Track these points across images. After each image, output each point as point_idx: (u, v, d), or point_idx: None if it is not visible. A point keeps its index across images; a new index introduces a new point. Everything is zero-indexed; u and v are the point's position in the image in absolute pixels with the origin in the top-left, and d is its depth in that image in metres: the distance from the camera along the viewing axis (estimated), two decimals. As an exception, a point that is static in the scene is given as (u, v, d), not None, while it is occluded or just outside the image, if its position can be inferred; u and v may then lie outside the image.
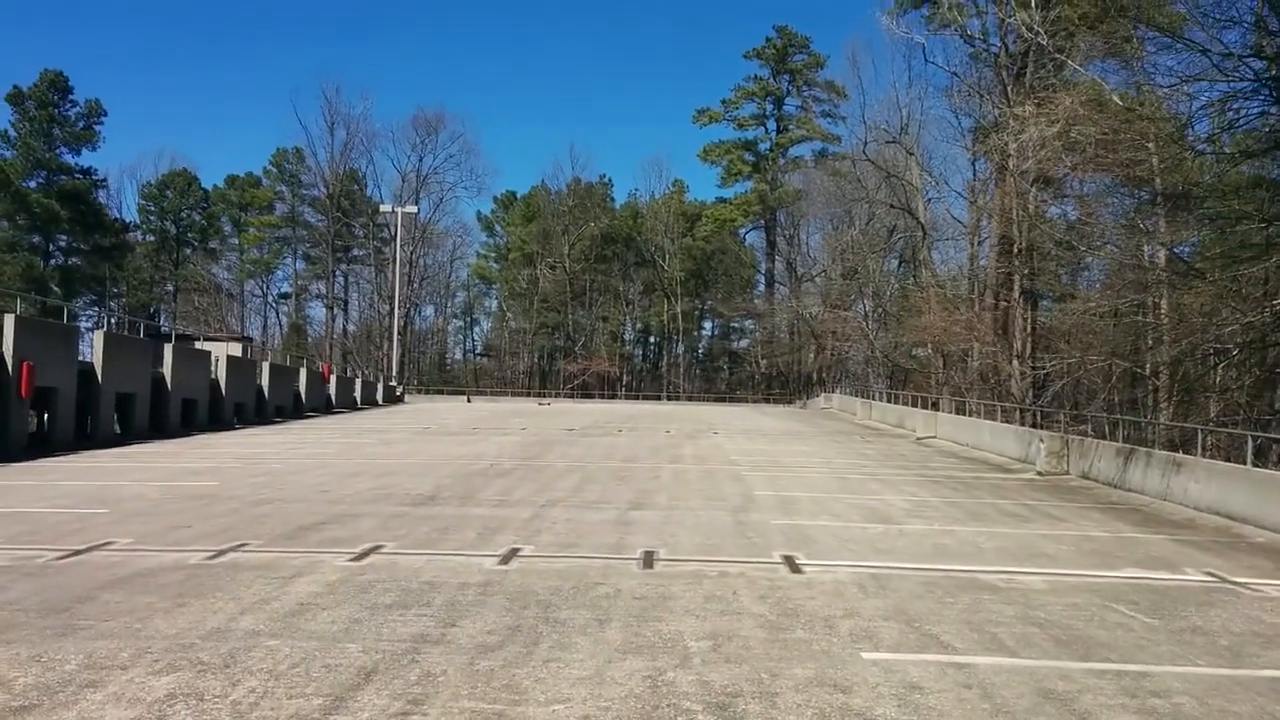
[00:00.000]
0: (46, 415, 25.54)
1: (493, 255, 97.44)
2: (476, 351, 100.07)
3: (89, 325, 60.22)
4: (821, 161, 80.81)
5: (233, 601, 8.38)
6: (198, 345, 37.62)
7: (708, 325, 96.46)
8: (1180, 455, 18.70)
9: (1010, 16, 38.12)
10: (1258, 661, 7.35)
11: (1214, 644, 7.81)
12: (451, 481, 17.89)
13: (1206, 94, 22.93)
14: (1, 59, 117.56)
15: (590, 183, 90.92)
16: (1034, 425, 29.41)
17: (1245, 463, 16.29)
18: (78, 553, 10.45)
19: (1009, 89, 39.49)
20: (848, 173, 67.02)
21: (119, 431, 27.85)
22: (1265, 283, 22.86)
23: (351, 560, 10.31)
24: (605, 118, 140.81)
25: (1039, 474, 21.94)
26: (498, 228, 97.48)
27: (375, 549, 10.99)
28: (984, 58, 45.65)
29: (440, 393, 75.49)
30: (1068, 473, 21.93)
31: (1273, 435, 20.77)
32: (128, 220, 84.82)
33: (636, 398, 79.34)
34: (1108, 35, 26.90)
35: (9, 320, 22.69)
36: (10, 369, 22.32)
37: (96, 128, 77.75)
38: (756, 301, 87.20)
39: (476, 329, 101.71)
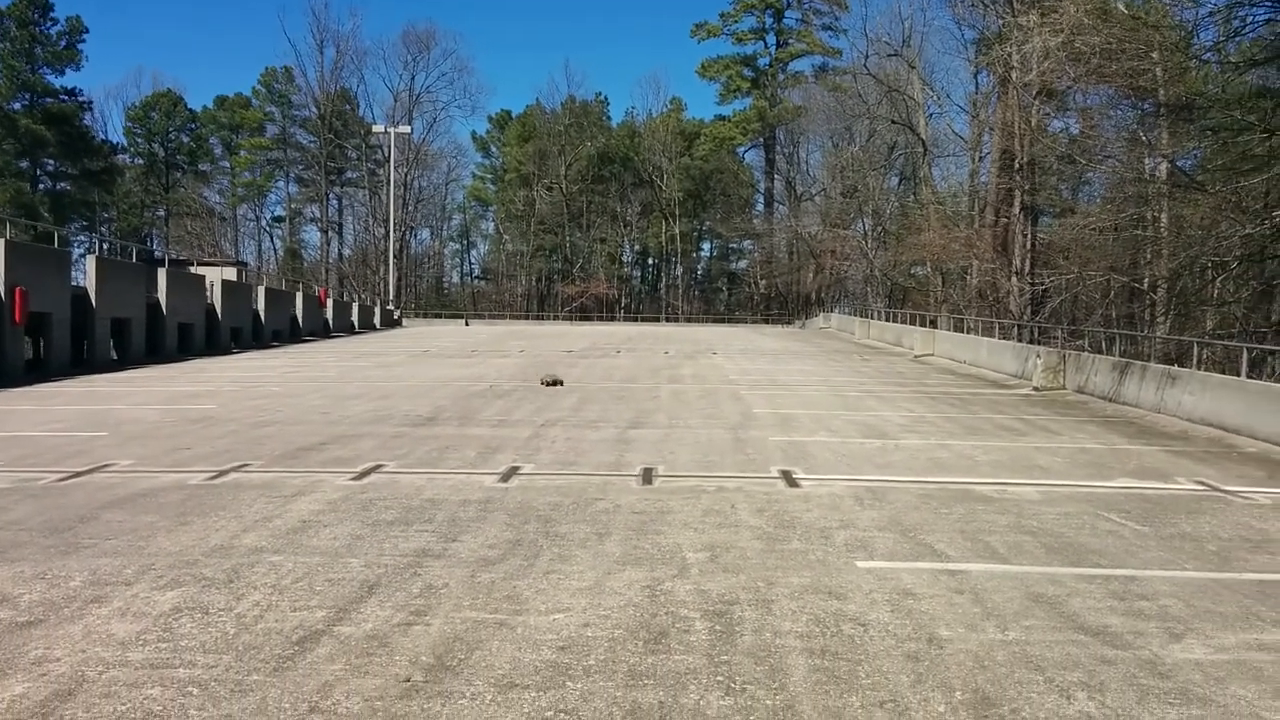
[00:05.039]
0: (41, 341, 25.54)
1: (489, 177, 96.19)
2: (474, 275, 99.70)
3: (81, 251, 59.73)
4: (822, 77, 79.29)
5: (235, 520, 8.47)
6: (192, 270, 37.45)
7: (706, 246, 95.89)
8: (1175, 368, 18.77)
9: (1016, -79, 36.95)
10: (1245, 565, 7.47)
11: (1202, 549, 7.94)
12: (450, 403, 17.96)
13: (1212, 1, 22.42)
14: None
15: (586, 101, 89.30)
16: (1032, 341, 29.45)
17: (1240, 374, 16.35)
18: (78, 474, 10.54)
19: (1013, -2, 38.53)
20: (848, 88, 65.86)
21: (115, 357, 27.88)
22: (1266, 195, 22.62)
23: (352, 479, 10.40)
24: (600, 33, 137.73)
25: (1035, 389, 22.05)
26: (493, 148, 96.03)
27: (376, 468, 11.08)
28: (989, -36, 44.44)
29: (438, 316, 75.38)
30: (1064, 388, 22.03)
31: (1268, 347, 20.82)
32: (115, 143, 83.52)
33: (635, 320, 79.26)
34: (1114, -61, 26.14)
35: None
36: (3, 294, 22.24)
37: (79, 47, 76.07)
38: (755, 221, 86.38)
39: (473, 252, 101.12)
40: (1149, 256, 29.77)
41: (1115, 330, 28.20)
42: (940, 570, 7.15)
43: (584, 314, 78.95)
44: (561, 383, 21.05)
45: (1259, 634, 5.90)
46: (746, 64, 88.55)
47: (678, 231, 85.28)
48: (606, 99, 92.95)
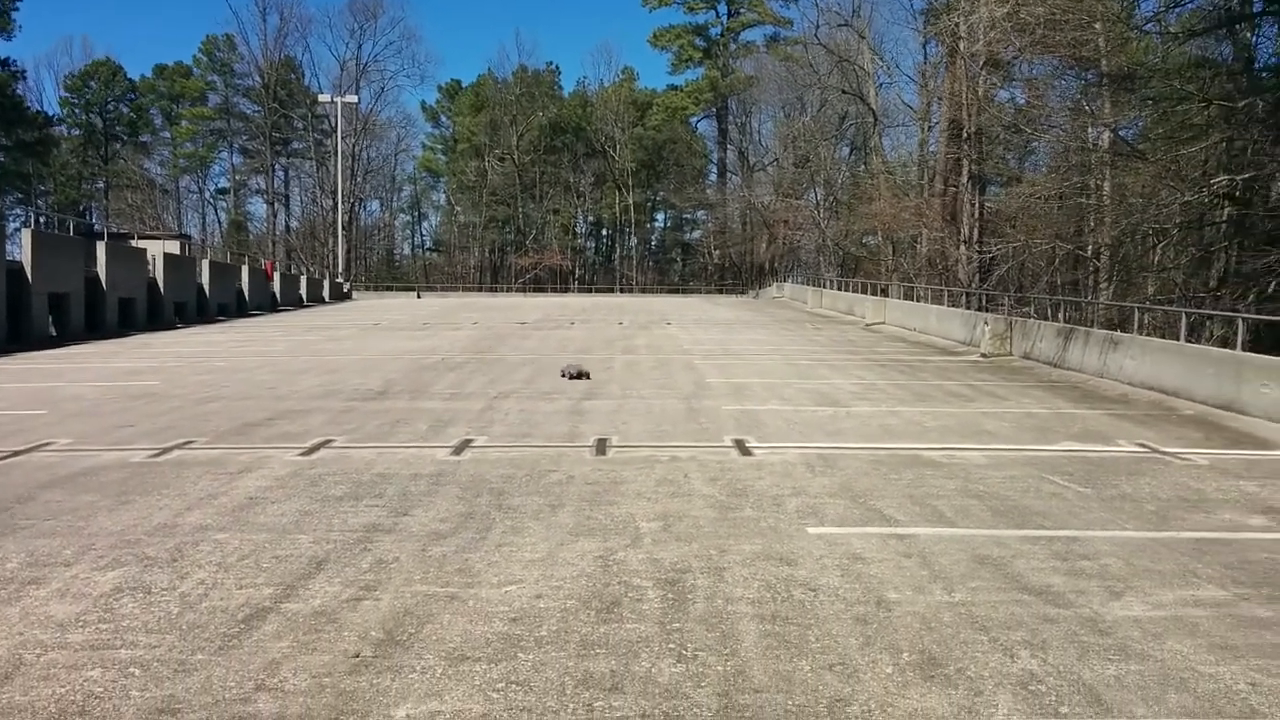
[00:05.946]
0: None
1: (439, 147, 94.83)
2: (425, 247, 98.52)
3: (16, 225, 57.95)
4: (773, 46, 79.20)
5: (179, 498, 8.31)
6: (133, 243, 36.54)
7: (660, 217, 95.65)
8: (1117, 333, 19.15)
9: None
10: (1182, 524, 7.67)
11: (1142, 509, 8.13)
12: (402, 376, 17.78)
13: (1155, -29, 22.72)
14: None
15: (537, 70, 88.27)
16: (980, 309, 29.85)
17: (1179, 339, 16.73)
18: (16, 454, 10.26)
19: (961, -33, 38.64)
20: (799, 58, 65.88)
21: (54, 333, 27.19)
22: (1204, 163, 23.10)
23: (301, 455, 10.25)
24: (551, 1, 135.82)
25: (983, 355, 22.39)
26: (443, 118, 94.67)
27: (325, 443, 10.94)
28: (937, -66, 44.59)
29: (389, 289, 74.47)
30: (1011, 354, 22.40)
31: (1206, 311, 21.32)
32: (50, 114, 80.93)
33: (589, 291, 79.03)
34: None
35: (-71, 220, 21.77)
36: (-65, 271, 21.54)
37: (12, 14, 73.29)
38: (708, 192, 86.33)
39: (425, 224, 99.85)
40: (1092, 224, 30.29)
41: (1060, 297, 28.71)
42: (889, 535, 7.25)
43: (538, 285, 78.52)
44: (588, 375, 17.26)
45: (1195, 591, 6.06)
46: (698, 33, 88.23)
47: (631, 202, 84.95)
48: (558, 68, 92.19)
